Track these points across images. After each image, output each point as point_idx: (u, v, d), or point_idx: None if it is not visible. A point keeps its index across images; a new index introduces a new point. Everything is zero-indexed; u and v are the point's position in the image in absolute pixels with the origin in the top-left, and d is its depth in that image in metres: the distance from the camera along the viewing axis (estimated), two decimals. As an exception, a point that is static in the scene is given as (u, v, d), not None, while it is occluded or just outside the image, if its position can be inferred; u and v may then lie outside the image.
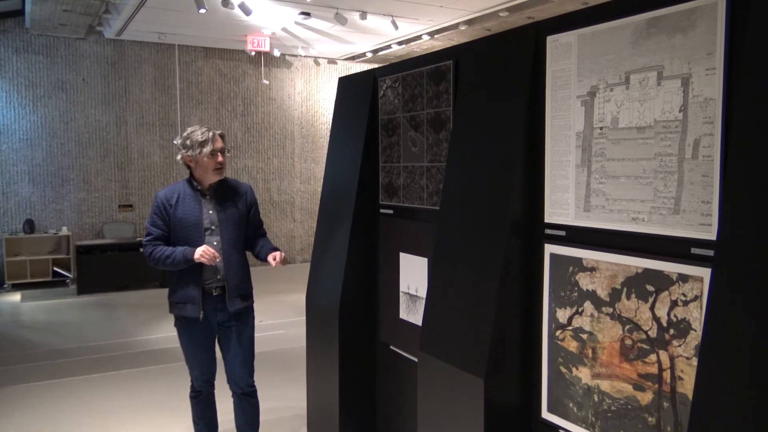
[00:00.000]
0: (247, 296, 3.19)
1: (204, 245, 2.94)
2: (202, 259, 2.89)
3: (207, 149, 2.99)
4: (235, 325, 3.15)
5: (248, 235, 3.26)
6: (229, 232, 3.09)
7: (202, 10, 7.29)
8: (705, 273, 1.69)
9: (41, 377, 5.08)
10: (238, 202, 3.16)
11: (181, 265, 2.97)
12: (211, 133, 3.03)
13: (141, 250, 3.08)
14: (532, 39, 2.24)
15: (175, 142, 3.11)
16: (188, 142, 3.01)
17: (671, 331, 1.80)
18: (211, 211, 3.08)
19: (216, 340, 3.23)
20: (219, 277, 3.06)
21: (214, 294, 3.07)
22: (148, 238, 3.07)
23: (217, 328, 3.16)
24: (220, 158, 3.03)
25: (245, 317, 3.20)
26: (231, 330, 3.15)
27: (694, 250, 1.74)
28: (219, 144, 3.04)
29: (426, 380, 2.53)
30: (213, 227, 3.07)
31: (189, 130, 3.07)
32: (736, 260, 1.49)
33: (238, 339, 3.16)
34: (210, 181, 3.08)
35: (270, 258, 3.15)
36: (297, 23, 8.72)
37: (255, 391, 3.28)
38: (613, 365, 1.98)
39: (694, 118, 1.72)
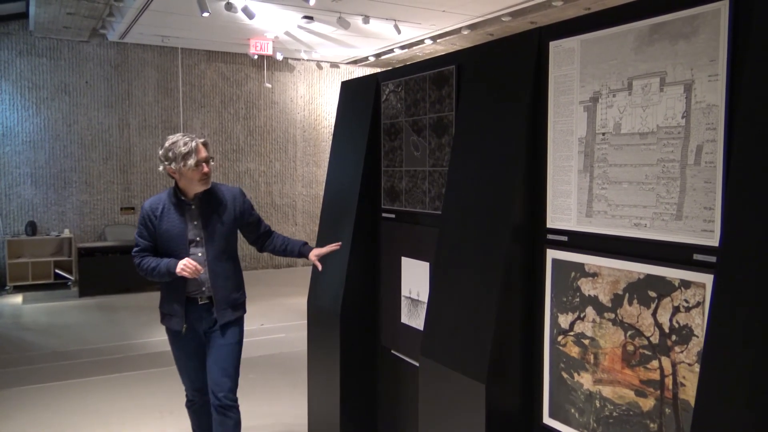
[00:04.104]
0: (238, 306, 3.08)
1: (186, 258, 2.85)
2: (184, 273, 2.81)
3: (191, 161, 2.87)
4: (220, 331, 3.01)
5: (255, 237, 3.20)
6: (215, 243, 2.98)
7: (206, 14, 7.31)
8: (707, 279, 1.69)
9: (42, 379, 5.08)
10: (225, 211, 3.03)
11: (165, 277, 2.90)
12: (194, 144, 2.90)
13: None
14: (534, 44, 2.24)
15: (159, 152, 2.96)
16: (170, 154, 2.88)
17: (673, 338, 1.79)
18: (195, 222, 2.97)
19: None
20: (204, 288, 2.97)
21: (200, 302, 2.99)
22: (136, 249, 3.01)
23: (204, 337, 3.06)
24: (205, 169, 2.92)
25: (234, 327, 3.06)
26: (215, 336, 3.02)
27: (697, 257, 1.74)
28: (203, 154, 2.92)
29: (427, 385, 2.52)
30: (198, 239, 2.97)
31: (170, 140, 2.92)
32: (739, 266, 1.48)
33: (220, 345, 3.02)
34: (195, 191, 2.97)
35: (313, 257, 3.15)
36: (300, 27, 8.74)
37: (234, 406, 3.02)
38: (614, 371, 1.98)
39: (696, 124, 1.72)
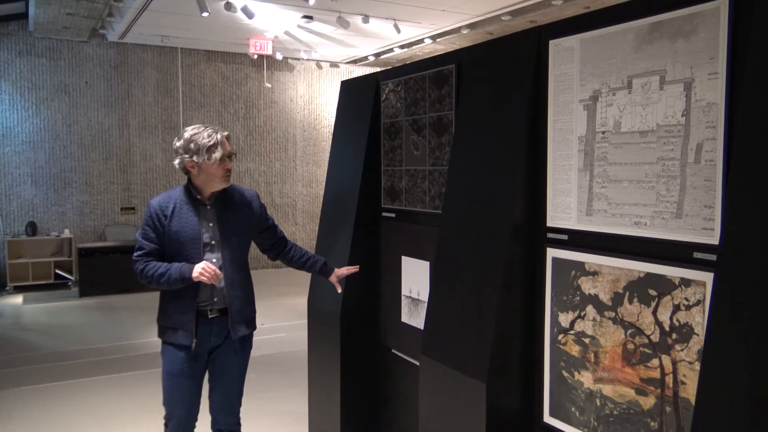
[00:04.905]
0: (250, 321, 2.80)
1: (204, 262, 2.54)
2: (202, 278, 2.49)
3: (217, 155, 2.57)
4: (231, 352, 2.75)
5: (270, 244, 2.97)
6: (232, 248, 2.69)
7: (205, 14, 7.30)
8: (707, 277, 1.69)
9: (43, 380, 5.08)
10: (243, 213, 2.75)
11: (177, 284, 2.55)
12: (219, 136, 2.60)
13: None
14: (534, 43, 2.24)
15: (175, 144, 2.65)
16: (192, 145, 2.57)
17: (673, 336, 1.79)
18: (211, 224, 2.66)
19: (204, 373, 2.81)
20: (216, 299, 2.66)
21: (211, 316, 2.67)
22: (139, 252, 2.63)
23: (208, 356, 2.75)
24: (228, 164, 2.64)
25: (245, 345, 2.81)
26: (224, 355, 2.74)
27: (697, 255, 1.74)
28: (228, 148, 2.64)
29: (427, 384, 2.53)
30: (213, 242, 2.65)
31: (191, 131, 2.61)
32: (739, 265, 1.48)
33: (230, 369, 2.76)
34: (213, 189, 2.67)
35: (334, 279, 3.02)
36: (300, 27, 8.74)
37: (238, 431, 2.87)
38: (615, 369, 1.98)
39: (696, 122, 1.72)
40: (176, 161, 2.64)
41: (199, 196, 2.67)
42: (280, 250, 3.01)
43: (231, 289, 2.67)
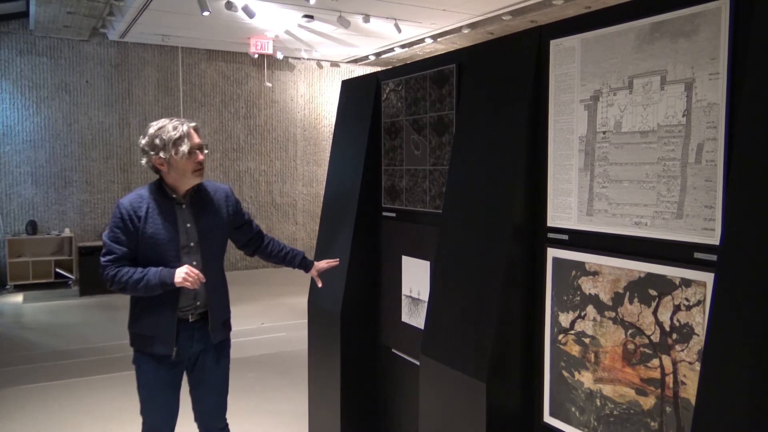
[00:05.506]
0: (226, 323, 2.70)
1: (186, 266, 2.40)
2: (186, 283, 2.35)
3: (184, 148, 2.41)
4: (214, 357, 2.64)
5: (247, 239, 2.85)
6: (211, 249, 2.57)
7: (206, 13, 7.30)
8: (708, 278, 1.69)
9: (43, 379, 5.08)
10: (219, 210, 2.61)
11: (156, 290, 2.39)
12: (185, 127, 2.44)
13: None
14: (535, 43, 2.24)
15: (140, 142, 2.49)
16: (157, 141, 2.42)
17: (674, 336, 1.79)
18: (188, 225, 2.51)
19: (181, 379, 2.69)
20: (198, 303, 2.54)
21: (191, 320, 2.54)
22: (108, 257, 2.46)
23: (186, 362, 2.64)
24: (199, 157, 2.47)
25: (226, 347, 2.72)
26: (206, 360, 2.64)
27: (697, 255, 1.74)
28: (197, 140, 2.48)
29: (428, 384, 2.53)
30: (191, 244, 2.51)
31: (155, 126, 2.46)
32: (739, 265, 1.48)
33: (216, 375, 2.67)
34: (187, 186, 2.51)
35: (314, 273, 2.98)
36: (300, 26, 8.74)
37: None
38: (615, 370, 1.98)
39: (697, 122, 1.72)
40: (143, 160, 2.51)
41: (174, 195, 2.51)
42: (257, 245, 2.89)
43: (213, 292, 2.57)
